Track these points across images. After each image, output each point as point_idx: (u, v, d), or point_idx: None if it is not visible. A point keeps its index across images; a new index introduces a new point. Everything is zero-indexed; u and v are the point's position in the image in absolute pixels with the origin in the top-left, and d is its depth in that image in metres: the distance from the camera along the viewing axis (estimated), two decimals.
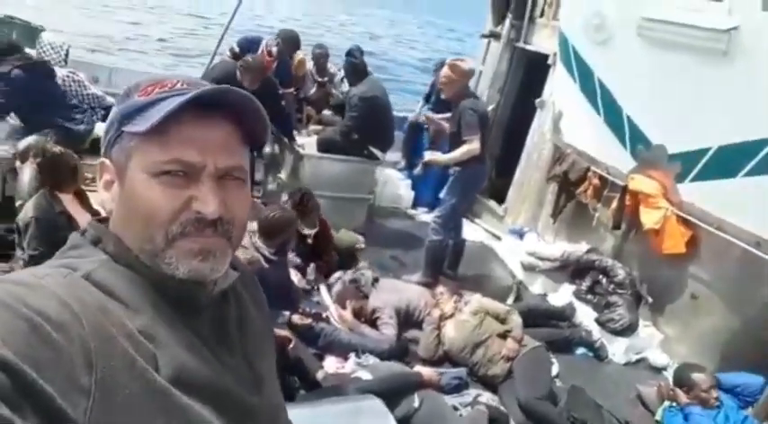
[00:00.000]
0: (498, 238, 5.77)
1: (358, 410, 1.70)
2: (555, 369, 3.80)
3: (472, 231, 5.89)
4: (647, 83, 4.30)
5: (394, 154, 6.65)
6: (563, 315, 4.36)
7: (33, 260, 3.24)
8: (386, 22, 35.95)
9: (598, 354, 4.14)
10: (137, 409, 0.68)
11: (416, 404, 2.79)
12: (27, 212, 3.27)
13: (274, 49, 5.60)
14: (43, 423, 0.58)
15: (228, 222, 0.80)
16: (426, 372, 3.06)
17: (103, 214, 0.88)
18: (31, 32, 5.30)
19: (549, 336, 4.04)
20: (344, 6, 37.24)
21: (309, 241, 4.36)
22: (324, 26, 24.45)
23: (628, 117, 4.54)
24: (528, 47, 6.01)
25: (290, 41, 6.04)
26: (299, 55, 6.20)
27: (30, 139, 3.86)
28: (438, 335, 3.72)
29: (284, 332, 3.18)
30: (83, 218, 3.56)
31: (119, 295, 0.74)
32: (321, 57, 6.67)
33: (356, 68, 5.19)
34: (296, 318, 3.41)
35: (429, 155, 4.63)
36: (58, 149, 3.23)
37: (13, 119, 4.47)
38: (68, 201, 3.50)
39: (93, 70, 5.69)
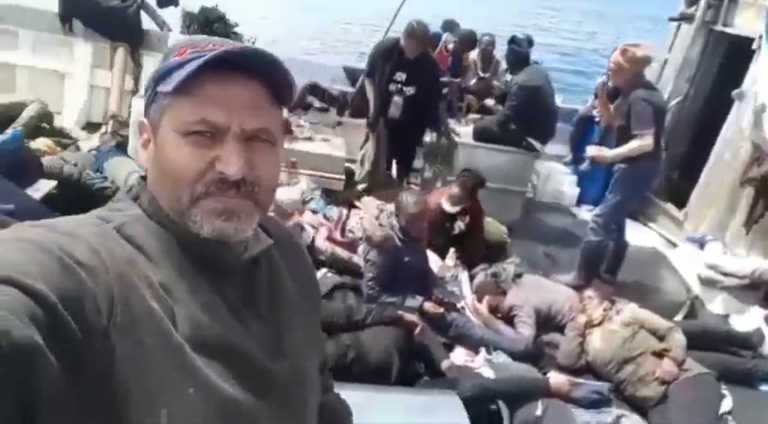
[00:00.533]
0: (674, 245, 5.08)
1: (433, 405, 1.58)
2: (727, 404, 3.21)
3: (644, 235, 5.28)
4: None
5: (560, 147, 6.25)
6: (748, 343, 3.67)
7: None
8: (594, 16, 33.44)
9: None
10: (150, 360, 0.69)
11: (539, 412, 2.55)
12: None
13: (450, 46, 6.13)
14: (64, 357, 0.60)
15: (253, 183, 0.80)
16: (556, 380, 2.78)
17: None
18: (228, 27, 5.95)
19: (724, 364, 3.42)
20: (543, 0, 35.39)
21: (462, 226, 4.24)
22: (531, 24, 23.58)
23: None
24: (727, 29, 5.16)
25: (466, 40, 6.32)
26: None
27: None
28: (581, 343, 3.38)
29: (413, 317, 3.14)
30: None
31: (145, 250, 0.76)
32: (489, 45, 6.52)
33: (518, 57, 4.96)
34: (428, 305, 3.34)
35: (593, 150, 4.22)
36: None
37: None
38: None
39: None
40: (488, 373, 2.82)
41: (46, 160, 3.97)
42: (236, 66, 0.78)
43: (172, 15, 5.95)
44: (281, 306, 0.90)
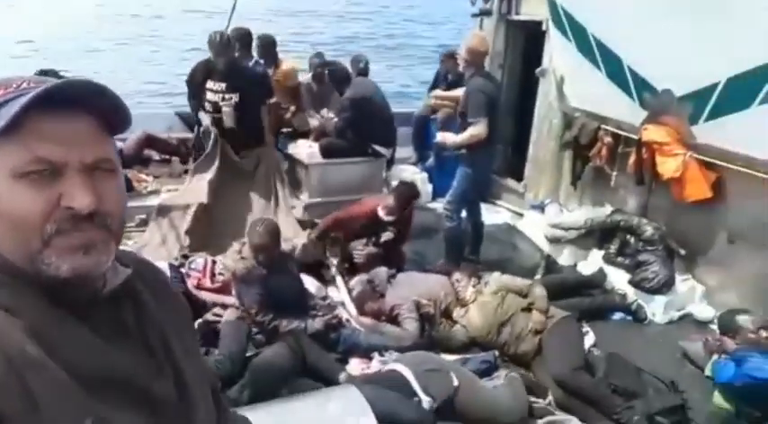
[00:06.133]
0: (521, 216, 5.61)
1: (330, 398, 1.64)
2: (591, 339, 3.63)
3: (495, 214, 5.76)
4: (640, 26, 4.10)
5: (405, 150, 6.59)
6: (593, 282, 4.18)
7: None
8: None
9: (637, 316, 3.93)
10: (41, 400, 0.69)
11: (455, 383, 2.74)
12: None
13: None
14: None
15: (105, 214, 0.79)
16: None
17: None
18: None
19: (580, 305, 3.90)
20: None
21: (390, 235, 4.30)
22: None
23: (628, 67, 4.34)
24: (521, 17, 5.85)
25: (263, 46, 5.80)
26: (286, 63, 6.12)
27: None
28: (445, 322, 3.64)
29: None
30: None
31: None
32: (318, 67, 6.46)
33: (339, 75, 5.21)
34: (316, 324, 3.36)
35: (440, 136, 4.59)
36: None
37: None
38: None
39: None
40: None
41: None
42: (62, 100, 0.76)
43: None
44: (153, 332, 0.90)
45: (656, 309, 3.92)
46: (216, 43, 4.62)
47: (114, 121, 0.84)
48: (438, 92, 6.30)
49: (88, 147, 0.78)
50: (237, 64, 4.90)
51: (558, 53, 5.17)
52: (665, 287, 3.90)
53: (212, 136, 4.71)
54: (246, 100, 4.76)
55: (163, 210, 4.40)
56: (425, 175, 6.34)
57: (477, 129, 4.19)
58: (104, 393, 0.76)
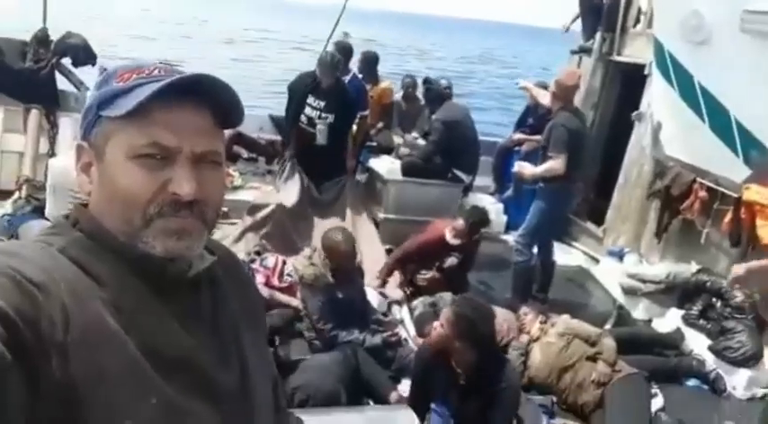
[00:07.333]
0: (597, 261, 5.38)
1: (387, 419, 1.61)
2: (659, 402, 3.40)
3: (569, 255, 5.56)
4: (757, 81, 3.86)
5: (484, 179, 6.52)
6: (669, 342, 3.91)
7: None
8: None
9: (714, 387, 3.63)
10: (109, 372, 0.71)
11: None
12: None
13: None
14: (24, 371, 0.62)
15: (204, 203, 0.82)
16: None
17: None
18: None
19: (652, 365, 3.64)
20: None
21: (455, 260, 4.28)
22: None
23: (737, 121, 4.09)
24: (622, 59, 5.68)
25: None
26: (384, 82, 6.29)
27: None
28: (524, 361, 3.49)
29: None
30: None
31: (89, 270, 0.77)
32: (410, 87, 6.68)
33: (434, 94, 5.23)
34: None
35: (517, 165, 4.51)
36: None
37: None
38: None
39: None
40: None
41: None
42: (185, 90, 0.79)
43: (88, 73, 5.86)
44: (226, 321, 0.91)
45: (738, 383, 3.61)
46: (326, 62, 4.76)
47: (228, 117, 0.86)
48: (519, 135, 6.27)
49: (201, 139, 0.81)
50: (341, 86, 5.00)
51: (659, 98, 4.97)
52: (752, 360, 3.59)
53: (288, 164, 4.88)
54: (340, 122, 4.87)
55: (253, 209, 4.58)
56: (501, 206, 6.24)
57: (554, 164, 4.09)
58: (172, 376, 0.77)
